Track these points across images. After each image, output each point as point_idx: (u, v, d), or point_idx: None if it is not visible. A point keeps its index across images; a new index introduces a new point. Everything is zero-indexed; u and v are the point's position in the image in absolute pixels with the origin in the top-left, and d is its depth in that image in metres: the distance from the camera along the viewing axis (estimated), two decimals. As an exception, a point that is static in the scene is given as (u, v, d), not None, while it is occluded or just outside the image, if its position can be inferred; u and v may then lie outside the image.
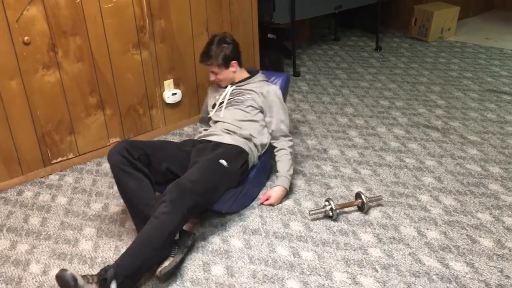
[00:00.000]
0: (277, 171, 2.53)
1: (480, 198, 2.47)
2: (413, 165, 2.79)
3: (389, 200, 2.48)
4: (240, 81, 2.65)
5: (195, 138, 2.61)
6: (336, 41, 5.19)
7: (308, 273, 2.02)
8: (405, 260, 2.07)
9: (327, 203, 2.35)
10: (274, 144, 2.59)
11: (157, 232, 1.93)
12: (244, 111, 2.57)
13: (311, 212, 2.33)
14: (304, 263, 2.07)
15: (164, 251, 1.98)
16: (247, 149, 2.46)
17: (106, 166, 2.89)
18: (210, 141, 2.47)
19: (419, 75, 4.15)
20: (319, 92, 3.88)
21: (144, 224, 1.98)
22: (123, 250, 2.17)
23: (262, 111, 2.59)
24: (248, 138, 2.51)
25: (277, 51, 4.20)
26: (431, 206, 2.42)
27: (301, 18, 4.30)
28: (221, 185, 2.25)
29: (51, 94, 2.69)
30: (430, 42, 4.99)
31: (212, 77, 2.63)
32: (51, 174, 2.82)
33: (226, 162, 2.29)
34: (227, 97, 2.61)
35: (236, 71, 2.62)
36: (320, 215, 2.36)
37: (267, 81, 2.74)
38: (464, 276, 1.97)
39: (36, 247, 2.23)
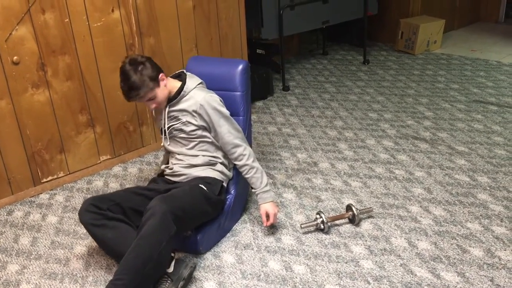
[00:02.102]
0: (252, 188, 2.36)
1: (469, 208, 2.49)
2: (403, 177, 2.81)
3: (380, 211, 2.50)
4: (173, 97, 2.28)
5: (161, 167, 2.47)
6: (325, 55, 5.24)
7: (301, 287, 2.02)
8: (397, 271, 2.08)
9: (318, 216, 2.36)
10: (235, 163, 2.34)
11: (145, 242, 1.89)
12: (189, 139, 2.30)
13: (302, 226, 2.34)
14: (296, 277, 2.07)
15: (159, 264, 1.94)
16: (216, 175, 2.30)
17: (96, 184, 2.89)
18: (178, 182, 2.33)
19: (406, 87, 4.21)
20: (309, 105, 3.91)
21: None
22: (114, 269, 2.16)
23: (206, 127, 2.30)
24: (211, 164, 2.32)
25: (266, 66, 4.24)
26: (421, 217, 2.44)
27: (289, 34, 4.35)
28: (202, 206, 2.16)
29: (41, 113, 2.69)
30: (416, 55, 5.06)
31: (153, 106, 2.24)
32: (41, 193, 2.81)
33: (205, 187, 2.20)
34: (166, 125, 2.32)
35: (166, 84, 2.26)
36: (312, 228, 2.37)
37: (199, 84, 2.35)
38: (455, 286, 1.98)
39: (27, 267, 2.21)
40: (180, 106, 2.28)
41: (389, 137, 3.30)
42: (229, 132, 2.27)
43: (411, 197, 2.61)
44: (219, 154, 2.35)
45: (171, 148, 2.36)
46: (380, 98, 3.98)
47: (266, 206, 2.31)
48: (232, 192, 2.40)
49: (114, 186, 2.85)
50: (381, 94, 4.07)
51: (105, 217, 2.04)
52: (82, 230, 2.46)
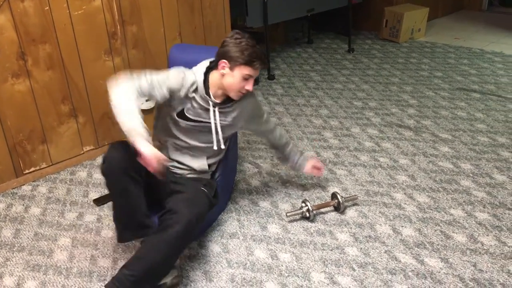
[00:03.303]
0: (290, 163, 2.47)
1: (453, 194, 2.52)
2: (387, 164, 2.83)
3: (365, 199, 2.51)
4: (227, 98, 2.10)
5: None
6: (310, 44, 5.23)
7: (286, 274, 2.03)
8: (381, 258, 2.10)
9: (303, 204, 2.36)
10: (283, 146, 2.43)
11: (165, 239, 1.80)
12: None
13: (288, 214, 2.35)
14: (282, 265, 2.08)
15: (169, 269, 1.91)
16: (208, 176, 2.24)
17: (80, 175, 2.85)
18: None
19: (391, 75, 4.22)
20: (294, 94, 3.90)
21: (133, 232, 1.93)
22: (99, 260, 2.15)
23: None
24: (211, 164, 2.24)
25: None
26: (405, 204, 2.46)
27: (274, 22, 4.32)
28: (207, 210, 2.04)
29: (22, 103, 2.64)
30: (401, 43, 5.08)
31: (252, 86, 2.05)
32: (23, 185, 2.77)
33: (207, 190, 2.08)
34: (218, 126, 2.10)
35: None
36: (297, 217, 2.38)
37: None
38: (439, 272, 2.01)
39: (10, 259, 2.18)
40: (236, 108, 2.13)
41: (374, 125, 3.31)
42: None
43: (396, 185, 2.63)
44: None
45: (188, 140, 2.11)
46: (365, 87, 3.99)
47: (311, 163, 2.47)
48: (218, 181, 2.38)
49: (98, 177, 2.82)
50: (366, 83, 4.08)
51: (136, 172, 1.88)
52: (65, 221, 2.43)
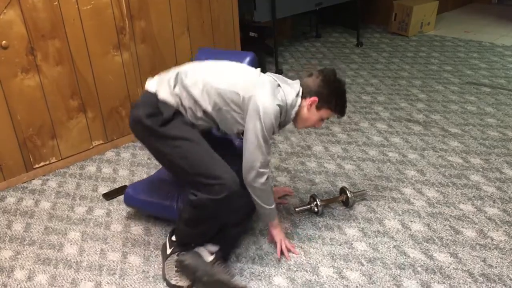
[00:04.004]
0: None
1: (462, 189, 2.51)
2: (396, 159, 2.81)
3: (373, 194, 2.50)
4: None
5: None
6: (318, 38, 5.20)
7: (295, 269, 2.03)
8: (390, 253, 2.09)
9: (312, 199, 2.36)
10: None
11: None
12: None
13: (296, 209, 2.34)
14: (290, 260, 2.08)
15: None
16: None
17: (89, 169, 2.87)
18: None
19: (400, 69, 4.19)
20: (302, 89, 3.89)
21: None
22: (108, 254, 2.16)
23: None
24: None
25: (259, 49, 4.20)
26: (414, 198, 2.45)
27: (282, 16, 4.30)
28: None
29: (31, 98, 2.66)
30: (410, 37, 5.04)
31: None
32: (33, 179, 2.79)
33: None
34: None
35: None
36: (306, 211, 2.38)
37: None
38: (448, 267, 2.00)
39: (20, 253, 2.21)
40: None
41: (383, 120, 3.30)
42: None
43: (404, 179, 2.61)
44: None
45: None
46: (373, 81, 3.97)
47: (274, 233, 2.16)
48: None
49: (107, 171, 2.84)
50: (374, 77, 4.05)
51: None
52: (75, 215, 2.45)
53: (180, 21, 3.19)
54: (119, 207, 2.50)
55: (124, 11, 2.88)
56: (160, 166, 2.36)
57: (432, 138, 3.02)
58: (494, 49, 4.55)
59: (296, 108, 1.97)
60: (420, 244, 2.13)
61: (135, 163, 2.91)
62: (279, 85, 1.96)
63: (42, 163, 2.82)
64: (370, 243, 2.16)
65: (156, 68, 3.15)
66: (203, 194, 1.81)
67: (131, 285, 1.98)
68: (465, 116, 3.28)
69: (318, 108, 1.98)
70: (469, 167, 2.69)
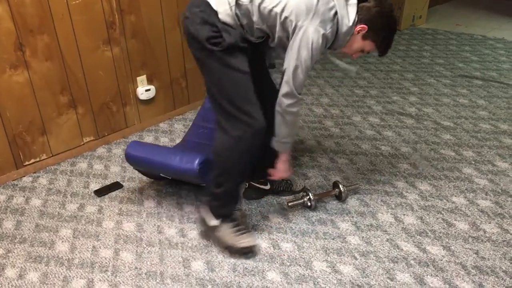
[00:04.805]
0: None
1: (455, 182, 2.51)
2: (389, 152, 2.81)
3: (366, 188, 2.50)
4: None
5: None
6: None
7: (288, 264, 2.02)
8: (383, 247, 2.09)
9: (304, 193, 2.36)
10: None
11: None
12: None
13: (289, 204, 2.34)
14: (284, 254, 2.07)
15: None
16: None
17: (80, 166, 2.85)
18: None
19: (392, 63, 4.19)
20: (294, 83, 3.88)
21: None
22: (100, 251, 2.15)
23: None
24: None
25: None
26: (407, 192, 2.45)
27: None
28: None
29: (20, 95, 2.62)
30: (402, 30, 5.04)
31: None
32: (24, 176, 2.76)
33: None
34: None
35: None
36: (299, 206, 2.37)
37: None
38: (441, 260, 2.00)
39: (11, 251, 2.18)
40: None
41: (375, 114, 3.30)
42: None
43: (397, 173, 2.61)
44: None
45: None
46: (366, 74, 3.97)
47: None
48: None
49: (98, 168, 2.81)
50: (367, 70, 4.05)
51: None
52: (66, 212, 2.43)
53: (171, 15, 3.16)
54: (110, 203, 2.48)
55: (114, 6, 2.84)
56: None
57: (425, 131, 3.03)
58: (486, 42, 4.56)
59: (348, 38, 1.92)
60: (413, 237, 2.14)
61: (126, 159, 2.89)
62: (336, 14, 1.85)
63: (32, 160, 2.79)
64: (363, 237, 2.16)
65: (147, 63, 3.12)
66: (229, 128, 1.91)
67: (123, 282, 1.97)
68: (457, 109, 3.29)
69: (364, 37, 1.92)
70: (461, 160, 2.70)
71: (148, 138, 3.12)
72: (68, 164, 2.87)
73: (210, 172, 2.08)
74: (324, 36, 1.83)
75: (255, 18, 1.89)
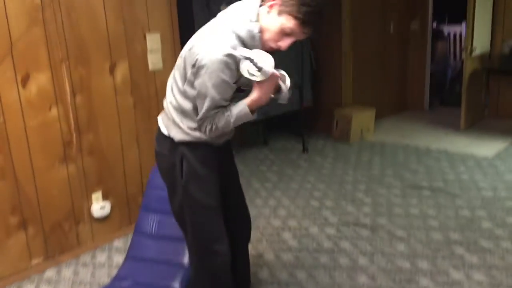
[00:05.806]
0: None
1: (413, 295, 2.51)
2: (347, 265, 2.82)
3: (326, 304, 2.46)
4: None
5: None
6: (266, 145, 5.38)
7: None
8: None
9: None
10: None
11: None
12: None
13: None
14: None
15: None
16: None
17: (26, 290, 2.68)
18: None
19: (344, 174, 4.35)
20: (252, 195, 3.93)
21: None
22: None
23: None
24: None
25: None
26: (367, 307, 2.42)
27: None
28: None
29: (-33, 216, 2.53)
30: (352, 143, 5.31)
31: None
32: (-38, 305, 2.56)
33: None
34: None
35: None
36: None
37: None
38: None
39: None
40: None
41: (331, 225, 3.34)
42: None
43: (356, 286, 2.60)
44: None
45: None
46: (320, 186, 4.08)
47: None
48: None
49: (46, 291, 2.65)
50: (321, 182, 4.17)
51: None
52: None
53: (129, 133, 3.23)
54: (57, 332, 2.31)
55: (72, 126, 2.90)
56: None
57: (380, 242, 3.08)
58: (430, 153, 4.85)
59: (256, 31, 1.72)
60: None
61: (76, 282, 2.75)
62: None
63: (-27, 286, 2.61)
64: None
65: (103, 180, 3.11)
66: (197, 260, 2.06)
67: None
68: (409, 219, 3.39)
69: (280, 13, 1.68)
70: (417, 271, 2.73)
71: (101, 258, 3.01)
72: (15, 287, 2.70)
73: None
74: (227, 56, 1.69)
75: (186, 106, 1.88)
